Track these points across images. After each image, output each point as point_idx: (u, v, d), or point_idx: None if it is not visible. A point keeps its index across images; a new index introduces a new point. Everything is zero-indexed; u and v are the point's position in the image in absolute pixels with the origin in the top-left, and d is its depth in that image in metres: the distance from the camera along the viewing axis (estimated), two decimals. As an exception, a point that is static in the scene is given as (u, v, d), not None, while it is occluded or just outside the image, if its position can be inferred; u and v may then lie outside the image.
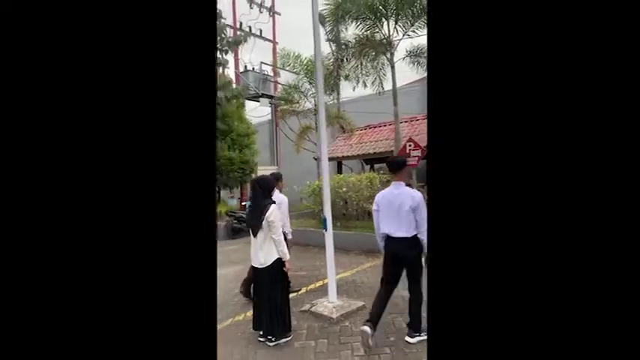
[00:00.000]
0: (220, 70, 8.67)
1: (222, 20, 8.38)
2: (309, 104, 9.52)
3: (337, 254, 3.35)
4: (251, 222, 2.68)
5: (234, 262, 5.26)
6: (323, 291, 3.59)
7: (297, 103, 9.62)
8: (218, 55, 8.21)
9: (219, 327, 3.00)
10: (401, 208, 2.50)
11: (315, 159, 9.21)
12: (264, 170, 13.62)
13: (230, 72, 11.24)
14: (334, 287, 3.31)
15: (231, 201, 11.83)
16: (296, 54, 9.13)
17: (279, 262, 2.67)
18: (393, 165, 2.68)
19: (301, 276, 4.42)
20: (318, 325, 3.03)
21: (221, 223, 8.18)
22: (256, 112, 13.52)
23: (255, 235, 2.64)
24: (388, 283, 2.65)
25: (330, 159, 8.61)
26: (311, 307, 3.30)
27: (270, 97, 11.36)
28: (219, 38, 8.18)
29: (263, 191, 2.70)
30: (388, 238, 2.60)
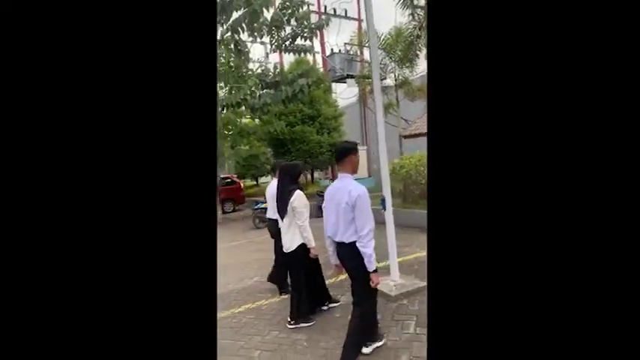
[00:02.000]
0: (304, 55, 9.00)
1: (308, 7, 8.60)
2: (389, 80, 9.19)
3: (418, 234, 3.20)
4: (278, 207, 2.78)
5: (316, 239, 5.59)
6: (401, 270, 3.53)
7: (382, 80, 9.38)
8: (302, 41, 8.51)
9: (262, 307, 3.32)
10: (339, 206, 2.00)
11: (405, 136, 8.90)
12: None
13: (318, 57, 11.57)
14: (396, 266, 3.29)
15: (324, 182, 12.41)
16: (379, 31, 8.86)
17: (302, 248, 2.72)
18: (337, 152, 2.13)
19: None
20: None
21: (312, 203, 8.71)
22: (347, 93, 13.65)
23: (282, 220, 2.74)
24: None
25: (418, 135, 8.22)
26: (373, 284, 3.37)
27: (354, 77, 11.32)
28: (302, 26, 8.46)
29: (289, 177, 2.76)
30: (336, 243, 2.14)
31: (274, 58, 12.14)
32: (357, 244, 1.95)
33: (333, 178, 11.50)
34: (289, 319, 2.79)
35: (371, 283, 1.98)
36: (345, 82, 11.66)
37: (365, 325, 2.09)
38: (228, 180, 12.06)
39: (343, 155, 2.08)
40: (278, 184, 2.81)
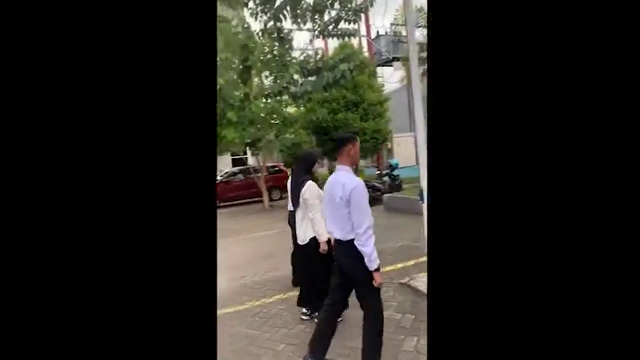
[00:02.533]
0: (349, 39, 8.71)
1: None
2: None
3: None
4: (292, 198, 2.69)
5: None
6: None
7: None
8: (346, 25, 8.24)
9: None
10: (334, 201, 1.87)
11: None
12: (399, 137, 13.25)
13: (363, 40, 11.16)
14: (434, 262, 3.08)
15: (368, 170, 12.14)
16: (418, 7, 8.27)
17: (315, 241, 2.60)
18: (336, 143, 1.97)
19: (413, 247, 4.26)
20: (411, 299, 2.91)
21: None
22: (395, 77, 13.08)
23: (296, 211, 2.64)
24: (329, 307, 2.04)
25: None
26: (409, 281, 3.19)
27: (399, 59, 10.76)
28: (345, 8, 8.18)
29: (303, 167, 2.66)
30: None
31: (319, 44, 11.98)
32: (356, 243, 1.77)
33: (379, 166, 11.17)
34: (304, 311, 2.76)
35: (374, 282, 1.79)
36: (391, 66, 11.16)
37: (380, 326, 1.94)
38: (276, 168, 12.32)
39: (340, 146, 1.92)
40: (292, 174, 2.73)
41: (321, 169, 13.33)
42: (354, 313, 2.72)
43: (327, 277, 2.72)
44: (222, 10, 7.40)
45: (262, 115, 7.22)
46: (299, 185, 2.56)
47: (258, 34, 8.14)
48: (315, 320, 2.65)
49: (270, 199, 11.41)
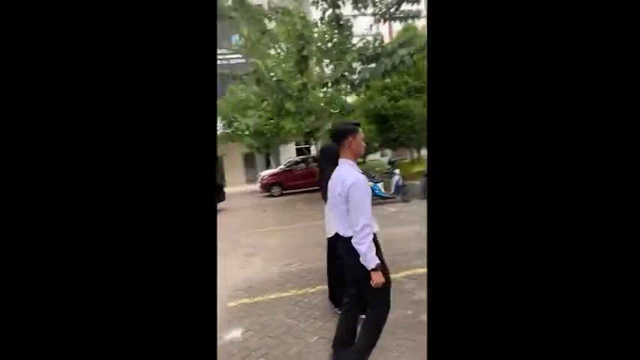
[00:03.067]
0: (412, 21, 8.23)
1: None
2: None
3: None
4: (321, 190, 2.60)
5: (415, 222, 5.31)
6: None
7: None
8: (409, 6, 7.79)
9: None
10: (335, 197, 1.80)
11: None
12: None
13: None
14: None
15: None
16: None
17: (339, 236, 2.52)
18: (334, 135, 1.86)
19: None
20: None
21: (416, 182, 8.28)
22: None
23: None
24: (346, 304, 1.96)
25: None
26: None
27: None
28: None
29: (328, 159, 2.51)
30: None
31: (382, 29, 11.53)
32: (352, 241, 1.69)
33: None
34: (334, 307, 2.71)
35: (371, 282, 1.68)
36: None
37: (377, 329, 1.82)
38: (336, 158, 12.33)
39: (340, 139, 1.80)
40: (319, 167, 2.69)
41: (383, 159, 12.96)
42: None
43: None
44: (283, 1, 7.52)
45: (320, 104, 7.23)
46: (327, 178, 2.54)
47: (317, 22, 8.14)
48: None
49: (330, 189, 11.50)
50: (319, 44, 8.17)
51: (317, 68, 8.60)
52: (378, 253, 1.81)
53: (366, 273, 1.71)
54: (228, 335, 2.59)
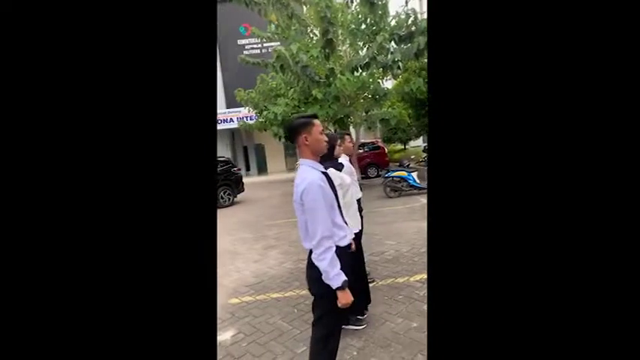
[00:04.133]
0: None
1: None
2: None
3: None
4: None
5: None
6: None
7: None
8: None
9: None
10: (294, 204, 1.52)
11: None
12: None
13: None
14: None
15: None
16: None
17: None
18: (287, 131, 1.59)
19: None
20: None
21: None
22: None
23: None
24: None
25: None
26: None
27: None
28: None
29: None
30: None
31: (416, 5, 10.66)
32: (312, 257, 1.45)
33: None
34: None
35: (338, 303, 1.44)
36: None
37: (330, 352, 1.58)
38: (374, 145, 11.91)
39: (293, 136, 1.54)
40: None
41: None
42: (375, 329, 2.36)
43: (363, 277, 2.41)
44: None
45: (350, 90, 6.85)
46: None
47: (347, 2, 7.67)
48: (350, 326, 2.39)
49: (367, 177, 11.14)
50: (352, 26, 7.73)
51: (349, 52, 8.18)
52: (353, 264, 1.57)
53: (327, 291, 1.47)
54: (218, 337, 2.51)
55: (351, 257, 1.71)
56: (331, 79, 6.82)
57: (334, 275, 1.43)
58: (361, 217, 3.19)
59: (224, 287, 3.50)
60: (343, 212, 2.19)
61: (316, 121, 1.57)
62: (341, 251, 1.54)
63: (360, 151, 9.84)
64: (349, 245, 1.66)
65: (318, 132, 1.56)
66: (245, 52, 16.33)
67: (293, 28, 7.89)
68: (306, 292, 3.14)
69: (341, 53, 7.91)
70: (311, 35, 8.19)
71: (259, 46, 17.47)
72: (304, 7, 7.69)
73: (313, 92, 6.95)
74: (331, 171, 2.20)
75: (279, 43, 8.90)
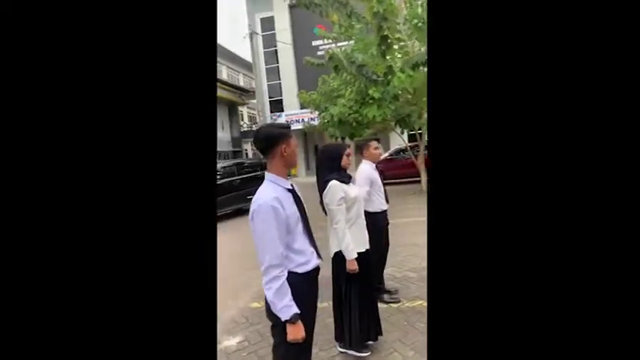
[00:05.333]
0: None
1: None
2: None
3: None
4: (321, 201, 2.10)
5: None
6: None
7: None
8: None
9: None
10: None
11: None
12: None
13: None
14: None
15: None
16: None
17: (341, 257, 2.00)
18: (258, 142, 1.43)
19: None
20: None
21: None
22: None
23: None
24: None
25: None
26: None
27: None
28: None
29: (326, 163, 2.05)
30: None
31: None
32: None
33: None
34: (337, 340, 2.26)
35: (287, 337, 1.32)
36: None
37: None
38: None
39: (270, 146, 1.39)
40: (316, 171, 2.19)
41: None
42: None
43: (368, 303, 2.17)
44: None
45: (409, 87, 6.42)
46: (321, 186, 2.09)
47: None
48: (352, 352, 2.17)
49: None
50: (415, 21, 7.24)
51: (416, 47, 7.67)
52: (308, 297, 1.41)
53: (281, 323, 1.33)
54: (224, 343, 2.54)
55: (314, 285, 1.54)
56: (389, 77, 6.48)
57: (282, 307, 1.30)
58: (386, 230, 2.93)
59: (250, 289, 3.55)
60: (346, 229, 2.02)
61: (292, 133, 1.46)
62: (300, 278, 1.40)
63: (426, 152, 9.17)
64: (314, 270, 1.49)
65: (295, 144, 1.44)
66: (319, 52, 16.58)
67: (357, 26, 7.70)
68: (325, 305, 3.01)
69: (407, 49, 7.45)
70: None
71: (333, 46, 17.62)
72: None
73: (370, 92, 6.69)
74: (333, 184, 2.03)
75: (352, 42, 8.75)
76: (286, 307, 1.30)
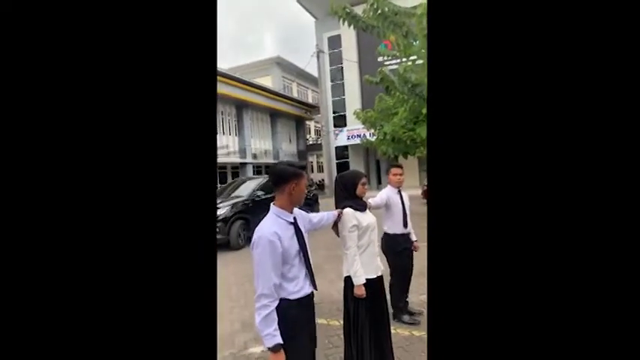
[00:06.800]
0: None
1: None
2: None
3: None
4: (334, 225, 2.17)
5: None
6: None
7: None
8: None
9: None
10: None
11: None
12: None
13: None
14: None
15: None
16: None
17: (351, 282, 2.04)
18: (272, 177, 1.59)
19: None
20: None
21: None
22: None
23: None
24: None
25: None
26: None
27: None
28: None
29: (342, 191, 2.13)
30: None
31: None
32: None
33: None
34: None
35: None
36: None
37: None
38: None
39: (281, 182, 1.52)
40: (335, 197, 2.31)
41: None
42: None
43: (377, 336, 2.21)
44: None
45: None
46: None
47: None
48: None
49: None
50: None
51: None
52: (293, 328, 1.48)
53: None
54: (251, 349, 2.77)
55: (306, 312, 1.62)
56: (445, 96, 6.33)
57: (266, 335, 1.41)
58: (410, 254, 2.95)
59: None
60: (356, 255, 2.13)
61: (305, 174, 1.62)
62: (292, 304, 1.51)
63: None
64: (306, 297, 1.59)
65: (305, 184, 1.60)
66: (384, 67, 16.64)
67: (415, 44, 7.67)
68: (334, 320, 3.08)
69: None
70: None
71: (396, 62, 17.53)
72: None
73: (423, 110, 6.60)
74: (346, 211, 2.17)
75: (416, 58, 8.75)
76: (270, 336, 1.39)
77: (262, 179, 7.64)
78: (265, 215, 1.57)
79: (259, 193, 7.11)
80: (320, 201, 9.32)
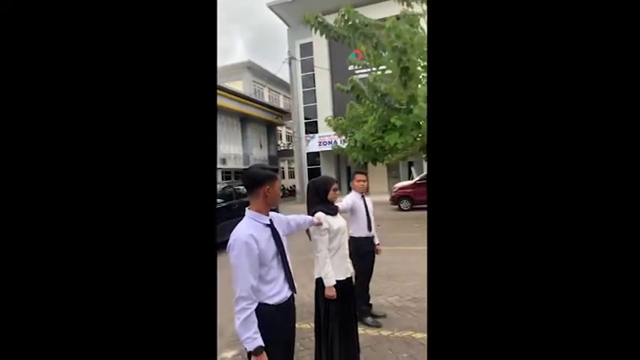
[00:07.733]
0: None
1: None
2: None
3: None
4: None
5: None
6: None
7: None
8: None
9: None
10: None
11: None
12: None
13: None
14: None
15: None
16: None
17: (322, 284, 2.14)
18: (245, 181, 1.59)
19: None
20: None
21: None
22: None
23: None
24: None
25: None
26: None
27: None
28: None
29: (314, 195, 2.25)
30: None
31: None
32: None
33: None
34: None
35: None
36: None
37: None
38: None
39: (255, 186, 1.53)
40: (307, 202, 2.42)
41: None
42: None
43: (347, 334, 2.29)
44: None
45: (432, 116, 6.54)
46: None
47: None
48: None
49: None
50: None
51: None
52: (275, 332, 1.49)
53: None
54: (223, 354, 2.77)
55: (288, 314, 1.65)
56: (411, 105, 6.63)
57: (246, 338, 1.40)
58: (372, 257, 3.10)
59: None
60: (327, 258, 2.22)
61: (278, 176, 1.65)
62: (271, 309, 1.51)
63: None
64: (286, 301, 1.60)
65: (278, 186, 1.63)
66: (355, 76, 17.06)
67: (384, 55, 7.98)
68: (307, 325, 3.15)
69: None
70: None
71: (366, 72, 18.05)
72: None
73: (392, 119, 6.87)
74: (319, 215, 2.25)
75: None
76: (250, 339, 1.38)
77: (220, 186, 7.33)
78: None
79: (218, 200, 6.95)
80: (292, 207, 9.36)
